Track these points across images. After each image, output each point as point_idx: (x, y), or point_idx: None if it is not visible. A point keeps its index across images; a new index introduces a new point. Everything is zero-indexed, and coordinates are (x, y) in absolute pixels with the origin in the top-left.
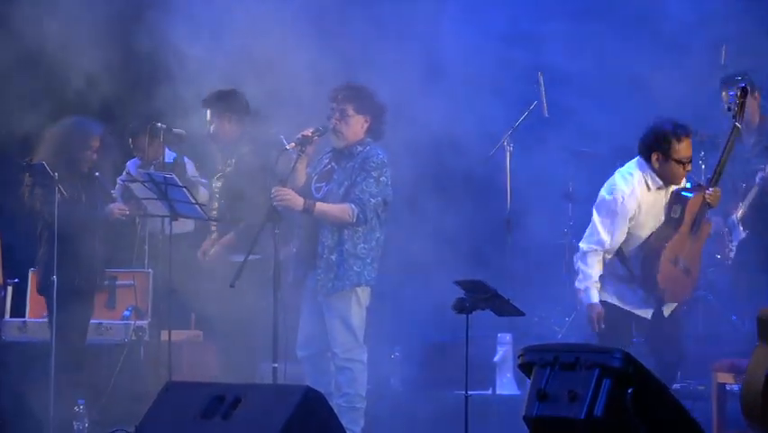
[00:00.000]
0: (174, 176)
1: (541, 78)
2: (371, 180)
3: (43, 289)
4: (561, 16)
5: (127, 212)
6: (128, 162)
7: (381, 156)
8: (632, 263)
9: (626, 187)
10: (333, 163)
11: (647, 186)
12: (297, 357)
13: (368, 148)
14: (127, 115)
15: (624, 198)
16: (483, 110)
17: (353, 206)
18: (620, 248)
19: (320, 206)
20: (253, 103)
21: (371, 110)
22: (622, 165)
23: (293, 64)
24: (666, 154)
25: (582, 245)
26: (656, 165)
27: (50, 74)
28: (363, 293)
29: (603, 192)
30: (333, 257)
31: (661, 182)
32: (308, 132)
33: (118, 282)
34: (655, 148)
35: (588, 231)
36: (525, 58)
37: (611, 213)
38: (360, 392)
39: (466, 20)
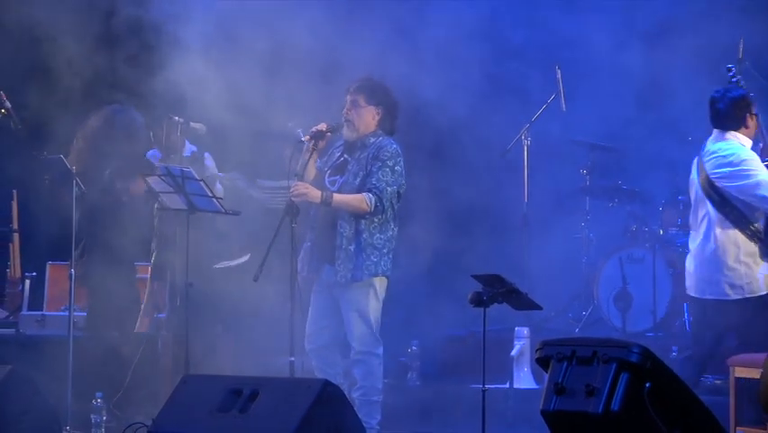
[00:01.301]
0: (191, 169)
1: (558, 72)
2: (387, 170)
3: (84, 280)
4: (579, 10)
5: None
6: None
7: (395, 146)
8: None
9: (741, 147)
10: (345, 155)
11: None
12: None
13: (380, 139)
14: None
15: (750, 153)
16: (501, 103)
17: (370, 195)
18: (747, 218)
19: (338, 197)
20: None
21: (383, 102)
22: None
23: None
24: (751, 113)
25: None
26: (749, 125)
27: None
28: (380, 285)
29: (734, 158)
30: (352, 248)
31: (750, 141)
32: (322, 126)
33: (137, 276)
34: (746, 110)
35: (755, 187)
36: (542, 50)
37: (756, 161)
38: (376, 385)
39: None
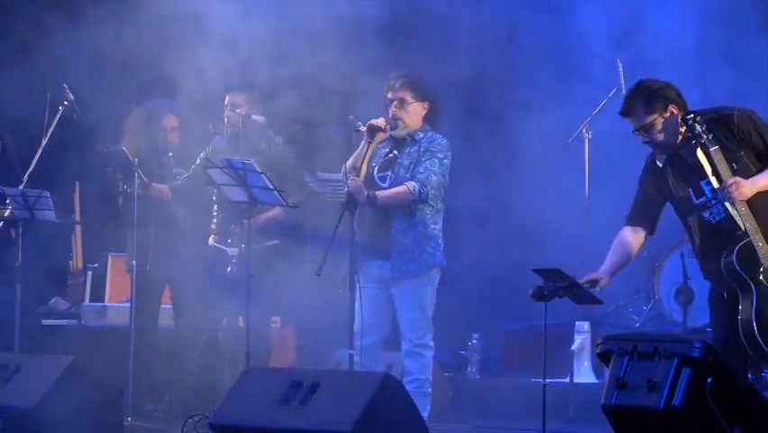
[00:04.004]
0: (253, 162)
1: (620, 66)
2: (435, 160)
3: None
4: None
5: None
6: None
7: (446, 140)
8: None
9: None
10: (395, 151)
11: None
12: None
13: (430, 133)
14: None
15: None
16: (563, 97)
17: (413, 182)
18: None
19: (382, 194)
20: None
21: (429, 97)
22: None
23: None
24: None
25: None
26: None
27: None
28: (437, 276)
29: None
30: (407, 241)
31: None
32: (381, 121)
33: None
34: None
35: None
36: (607, 45)
37: None
38: (429, 377)
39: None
